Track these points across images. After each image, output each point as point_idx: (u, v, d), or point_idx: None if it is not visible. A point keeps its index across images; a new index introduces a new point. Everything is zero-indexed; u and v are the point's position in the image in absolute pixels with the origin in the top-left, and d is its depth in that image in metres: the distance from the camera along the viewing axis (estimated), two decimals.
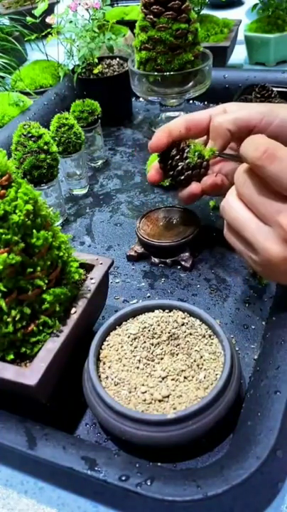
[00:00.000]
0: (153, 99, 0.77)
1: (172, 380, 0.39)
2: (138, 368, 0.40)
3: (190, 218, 0.57)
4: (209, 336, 0.42)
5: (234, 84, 0.83)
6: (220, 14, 1.11)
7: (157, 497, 0.31)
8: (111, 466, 0.33)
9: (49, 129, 0.62)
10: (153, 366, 0.40)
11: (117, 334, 0.43)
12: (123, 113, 0.90)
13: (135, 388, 0.38)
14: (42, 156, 0.56)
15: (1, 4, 1.37)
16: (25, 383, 0.34)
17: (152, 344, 0.41)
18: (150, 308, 0.44)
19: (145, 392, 0.38)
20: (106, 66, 0.86)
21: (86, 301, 0.40)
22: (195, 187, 0.50)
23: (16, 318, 0.35)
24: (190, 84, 0.74)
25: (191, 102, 0.90)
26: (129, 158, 0.78)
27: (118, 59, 0.88)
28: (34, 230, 0.36)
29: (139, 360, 0.40)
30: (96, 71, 0.82)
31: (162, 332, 0.42)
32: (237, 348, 0.45)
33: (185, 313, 0.43)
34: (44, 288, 0.37)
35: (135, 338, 0.42)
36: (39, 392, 0.36)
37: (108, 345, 0.42)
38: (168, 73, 0.71)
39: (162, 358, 0.41)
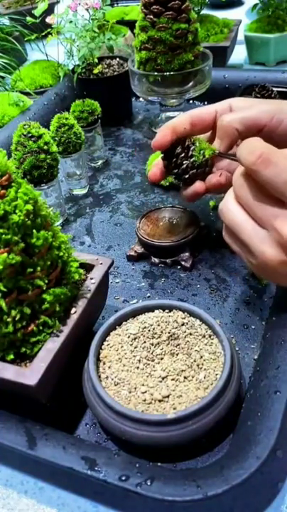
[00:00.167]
0: (153, 99, 0.77)
1: (172, 380, 0.39)
2: (138, 368, 0.40)
3: (190, 218, 0.57)
4: (209, 336, 0.42)
5: (234, 84, 0.83)
6: (220, 14, 1.11)
7: (157, 497, 0.31)
8: (111, 466, 0.33)
9: (49, 129, 0.62)
10: (153, 366, 0.40)
11: (117, 334, 0.43)
12: (123, 113, 0.90)
13: (135, 388, 0.38)
14: (42, 156, 0.56)
15: (1, 4, 1.37)
16: (25, 383, 0.34)
17: (152, 344, 0.41)
18: (150, 308, 0.44)
19: (145, 392, 0.38)
20: (106, 66, 0.86)
21: (86, 301, 0.40)
22: (199, 186, 0.50)
23: (16, 318, 0.35)
24: (190, 84, 0.74)
25: (191, 102, 0.90)
26: (129, 158, 0.78)
27: (118, 59, 0.88)
28: (34, 230, 0.36)
29: (139, 360, 0.40)
30: (96, 71, 0.82)
31: (162, 332, 0.42)
32: (237, 348, 0.45)
33: (185, 313, 0.43)
34: (44, 288, 0.37)
35: (135, 338, 0.42)
36: (39, 392, 0.36)
37: (108, 345, 0.42)
38: (168, 73, 0.71)
39: (162, 358, 0.41)
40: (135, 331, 0.42)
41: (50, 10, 1.03)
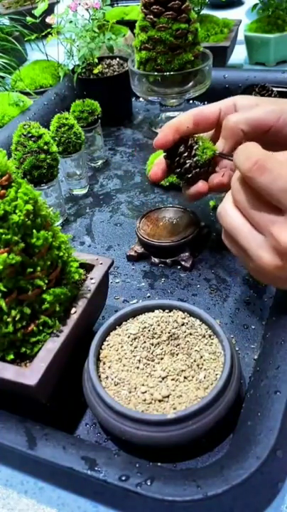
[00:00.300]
0: (153, 99, 0.77)
1: (172, 380, 0.39)
2: (138, 368, 0.40)
3: (190, 218, 0.57)
4: (209, 336, 0.42)
5: (234, 84, 0.83)
6: (220, 14, 1.11)
7: (157, 497, 0.31)
8: (111, 466, 0.33)
9: (49, 129, 0.62)
10: (153, 366, 0.40)
11: (117, 334, 0.43)
12: (123, 113, 0.90)
13: (135, 388, 0.38)
14: (42, 156, 0.56)
15: (1, 4, 1.37)
16: (25, 383, 0.34)
17: (152, 344, 0.41)
18: (150, 308, 0.44)
19: (145, 392, 0.38)
20: (106, 66, 0.86)
21: (86, 301, 0.40)
22: (201, 186, 0.49)
23: (16, 318, 0.35)
24: (190, 84, 0.74)
25: (191, 102, 0.90)
26: (129, 158, 0.78)
27: (118, 59, 0.88)
28: (34, 230, 0.36)
29: (139, 360, 0.40)
30: (96, 71, 0.82)
31: (162, 332, 0.42)
32: (237, 348, 0.45)
33: (185, 313, 0.43)
34: (44, 288, 0.37)
35: (135, 338, 0.42)
36: (39, 392, 0.36)
37: (108, 345, 0.42)
38: (168, 73, 0.71)
39: (162, 358, 0.41)
40: (135, 331, 0.42)
41: (50, 10, 1.03)
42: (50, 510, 0.37)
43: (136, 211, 0.66)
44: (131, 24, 1.02)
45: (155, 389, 0.38)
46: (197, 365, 0.39)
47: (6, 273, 0.34)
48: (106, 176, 0.74)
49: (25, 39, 1.01)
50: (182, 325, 0.42)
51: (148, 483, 0.31)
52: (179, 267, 0.55)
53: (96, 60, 0.83)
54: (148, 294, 0.52)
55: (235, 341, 0.46)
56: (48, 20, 0.85)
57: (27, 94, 0.94)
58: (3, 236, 0.33)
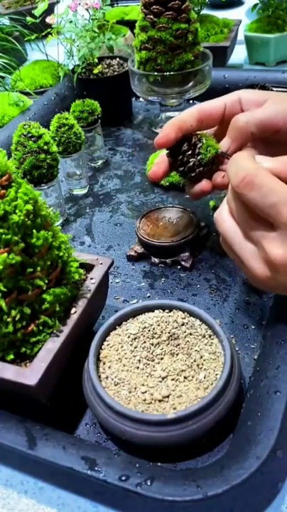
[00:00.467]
0: (153, 99, 0.77)
1: (172, 380, 0.39)
2: (138, 368, 0.40)
3: (190, 218, 0.57)
4: (209, 336, 0.42)
5: (234, 84, 0.83)
6: (220, 14, 1.11)
7: (157, 497, 0.31)
8: (111, 466, 0.33)
9: (49, 129, 0.62)
10: (153, 366, 0.40)
11: (117, 334, 0.43)
12: (123, 113, 0.90)
13: (135, 388, 0.38)
14: (42, 156, 0.56)
15: (1, 4, 1.37)
16: (25, 383, 0.34)
17: (152, 344, 0.41)
18: (150, 308, 0.44)
19: (145, 392, 0.38)
20: (106, 66, 0.86)
21: (86, 301, 0.40)
22: (205, 185, 0.49)
23: (16, 318, 0.35)
24: (190, 84, 0.74)
25: (191, 102, 0.90)
26: (129, 158, 0.78)
27: (118, 59, 0.88)
28: (34, 230, 0.36)
29: (139, 360, 0.40)
30: (96, 71, 0.82)
31: (162, 332, 0.42)
32: (237, 348, 0.45)
33: (185, 313, 0.43)
34: (44, 288, 0.37)
35: (135, 338, 0.42)
36: (39, 392, 0.36)
37: (108, 345, 0.42)
38: (168, 73, 0.71)
39: (162, 358, 0.41)
40: (135, 331, 0.42)
41: (50, 10, 1.03)
42: (50, 510, 0.37)
43: (136, 211, 0.66)
44: (131, 24, 1.02)
45: (155, 389, 0.38)
46: (197, 365, 0.39)
47: (6, 273, 0.34)
48: (106, 176, 0.74)
49: (25, 39, 1.01)
50: (182, 325, 0.42)
51: (148, 483, 0.31)
52: (179, 267, 0.55)
53: (96, 60, 0.83)
54: (148, 294, 0.52)
55: (235, 341, 0.46)
56: (48, 20, 0.85)
57: (27, 94, 0.94)
58: (3, 236, 0.33)
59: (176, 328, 0.42)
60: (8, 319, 0.35)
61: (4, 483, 0.39)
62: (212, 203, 0.63)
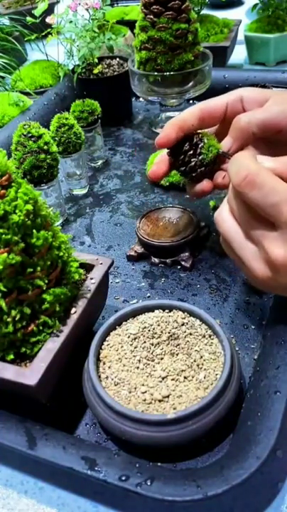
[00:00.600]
0: (153, 99, 0.77)
1: (172, 380, 0.39)
2: (138, 368, 0.40)
3: (190, 218, 0.57)
4: (209, 336, 0.42)
5: (234, 84, 0.83)
6: (220, 14, 1.11)
7: (157, 497, 0.31)
8: (111, 466, 0.33)
9: (49, 129, 0.62)
10: (153, 366, 0.40)
11: (117, 334, 0.43)
12: (123, 113, 0.90)
13: (135, 388, 0.38)
14: (42, 156, 0.56)
15: (1, 4, 1.37)
16: (25, 383, 0.34)
17: (152, 344, 0.41)
18: (150, 308, 0.44)
19: (145, 392, 0.38)
20: (106, 66, 0.86)
21: (86, 301, 0.40)
22: (206, 185, 0.48)
23: (16, 318, 0.35)
24: (190, 84, 0.74)
25: (191, 102, 0.90)
26: (129, 158, 0.78)
27: (118, 59, 0.88)
28: (34, 230, 0.36)
29: (139, 360, 0.40)
30: (96, 71, 0.82)
31: (162, 332, 0.42)
32: (237, 348, 0.45)
33: (185, 313, 0.43)
34: (44, 288, 0.37)
35: (135, 338, 0.42)
36: (39, 392, 0.36)
37: (108, 345, 0.42)
38: (168, 73, 0.71)
39: (162, 358, 0.41)
40: (135, 331, 0.42)
41: (50, 10, 1.03)
42: (50, 510, 0.37)
43: (136, 211, 0.66)
44: (131, 24, 1.02)
45: (155, 389, 0.38)
46: (197, 365, 0.39)
47: (6, 273, 0.34)
48: (106, 176, 0.74)
49: (25, 39, 1.01)
50: (182, 325, 0.42)
51: (148, 483, 0.31)
52: (179, 267, 0.55)
53: (96, 60, 0.83)
54: (148, 294, 0.52)
55: (235, 341, 0.46)
56: (48, 20, 0.85)
57: (27, 94, 0.94)
58: (3, 236, 0.33)
59: (176, 328, 0.42)
60: (8, 319, 0.35)
61: (4, 483, 0.39)
62: (212, 203, 0.63)
